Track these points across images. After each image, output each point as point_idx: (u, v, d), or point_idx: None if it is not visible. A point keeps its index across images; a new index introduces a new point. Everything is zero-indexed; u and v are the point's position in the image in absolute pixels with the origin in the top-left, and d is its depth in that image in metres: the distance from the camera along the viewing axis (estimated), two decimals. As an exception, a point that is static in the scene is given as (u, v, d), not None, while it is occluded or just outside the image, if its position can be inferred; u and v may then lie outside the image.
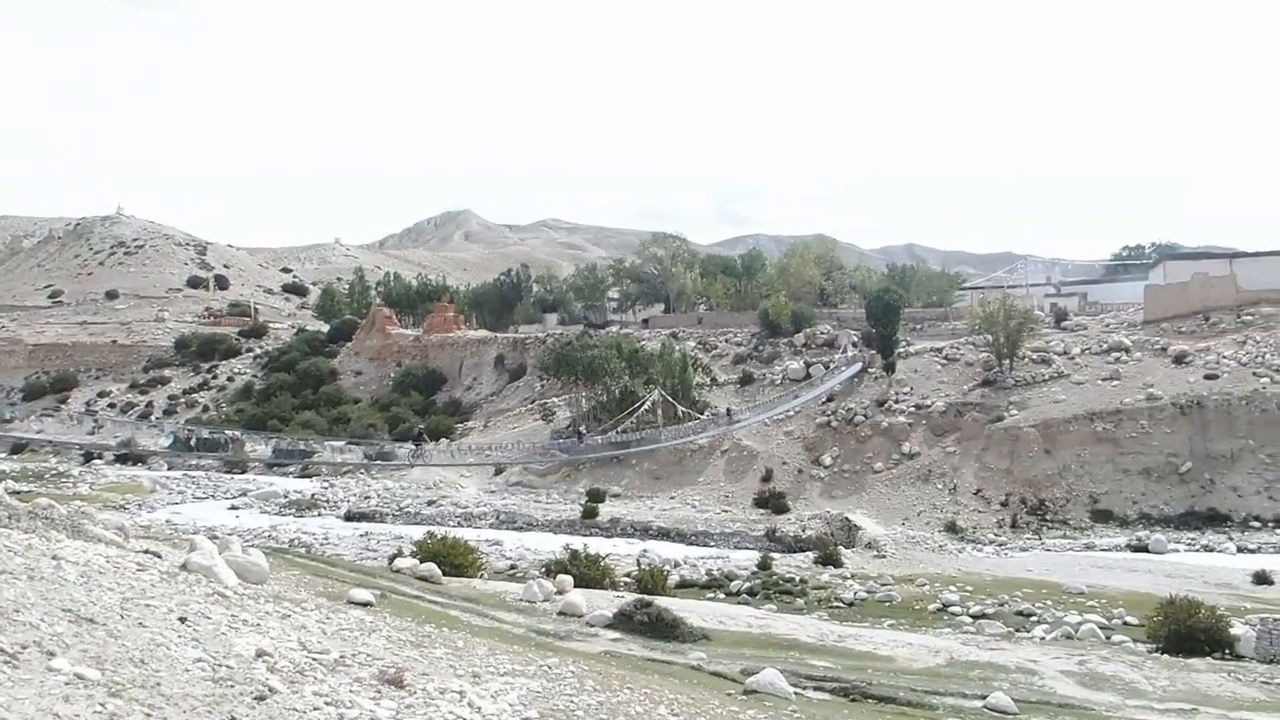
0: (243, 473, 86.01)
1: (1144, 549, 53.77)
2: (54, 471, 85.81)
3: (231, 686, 7.19)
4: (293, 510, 69.82)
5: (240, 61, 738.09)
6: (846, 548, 53.27)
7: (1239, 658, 27.43)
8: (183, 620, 8.84)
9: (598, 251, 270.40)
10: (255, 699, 7.05)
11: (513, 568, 47.12)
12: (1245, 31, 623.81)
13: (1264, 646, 27.36)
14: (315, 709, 7.25)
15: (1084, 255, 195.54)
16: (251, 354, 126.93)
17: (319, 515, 68.69)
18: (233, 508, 70.70)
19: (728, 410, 75.62)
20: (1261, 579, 42.84)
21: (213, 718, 6.44)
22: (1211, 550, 53.76)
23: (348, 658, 9.33)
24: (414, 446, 72.23)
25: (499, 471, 77.05)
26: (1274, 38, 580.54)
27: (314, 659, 8.82)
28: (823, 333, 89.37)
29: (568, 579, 28.37)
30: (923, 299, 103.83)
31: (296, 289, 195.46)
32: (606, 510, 65.85)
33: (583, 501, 67.88)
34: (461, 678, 9.95)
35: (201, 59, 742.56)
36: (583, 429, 76.42)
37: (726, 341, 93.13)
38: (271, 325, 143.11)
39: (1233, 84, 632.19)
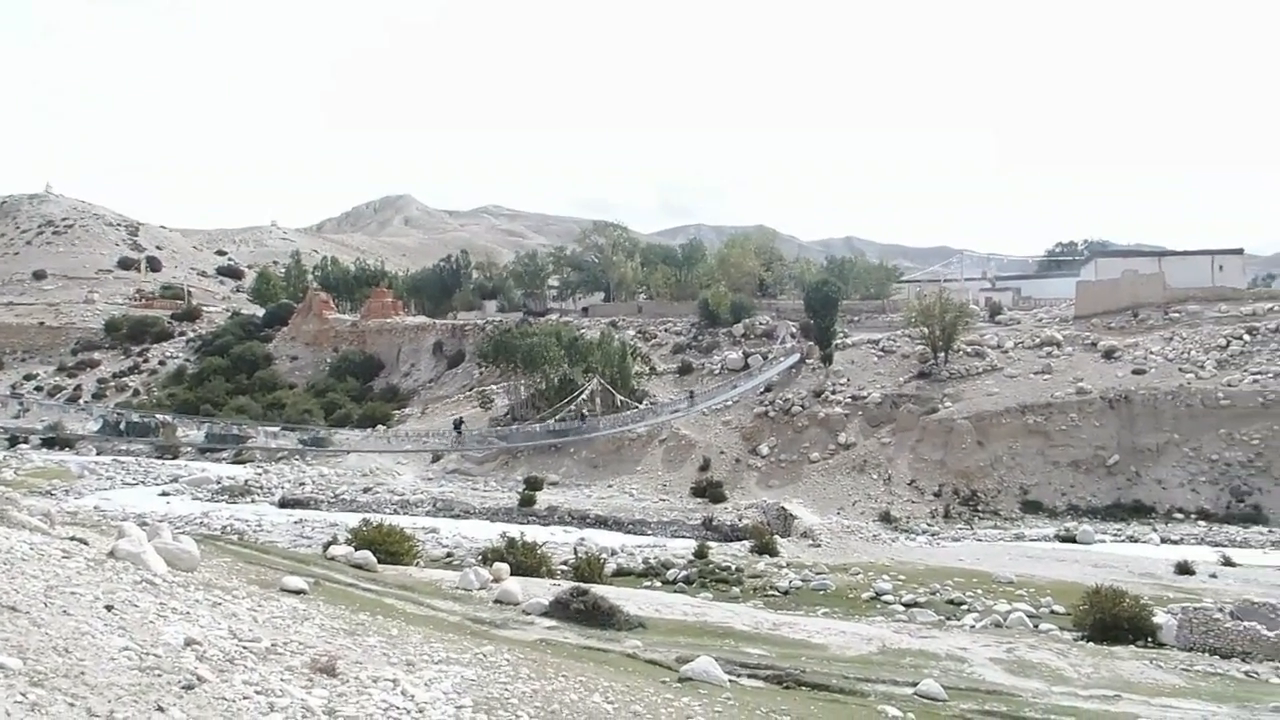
0: (174, 458, 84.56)
1: (1072, 539, 54.87)
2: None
3: (159, 675, 7.08)
4: (225, 496, 68.76)
5: (175, 39, 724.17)
6: (782, 537, 53.62)
7: (1161, 646, 28.10)
8: (109, 608, 8.68)
9: (538, 239, 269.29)
10: (183, 688, 6.95)
11: (449, 555, 46.84)
12: (1181, 38, 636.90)
13: (1185, 635, 28.04)
14: (245, 698, 7.17)
15: (1019, 251, 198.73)
16: (184, 337, 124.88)
17: (252, 502, 67.71)
18: (163, 494, 69.42)
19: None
20: (1183, 569, 43.89)
21: (139, 707, 6.33)
22: (1136, 541, 55.00)
23: (279, 646, 9.23)
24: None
25: (436, 459, 76.60)
26: (1206, 46, 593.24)
27: (245, 647, 8.72)
28: (762, 323, 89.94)
29: (504, 567, 28.28)
30: (861, 291, 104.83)
31: (231, 272, 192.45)
32: (544, 498, 65.73)
33: (520, 489, 67.70)
34: (395, 666, 9.89)
35: (135, 36, 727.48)
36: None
37: (666, 331, 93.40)
38: (205, 308, 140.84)
39: (1165, 89, 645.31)
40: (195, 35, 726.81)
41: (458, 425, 72.71)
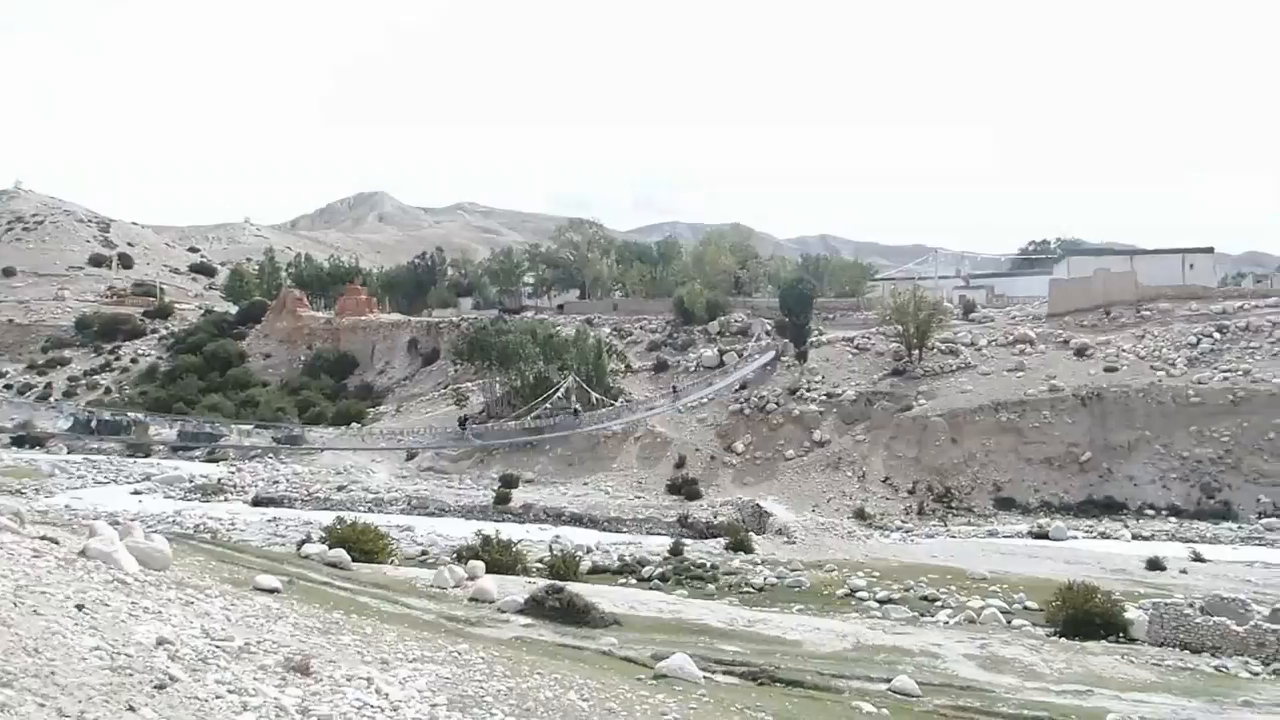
0: (146, 457, 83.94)
1: (1045, 536, 55.27)
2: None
3: (130, 675, 7.02)
4: (198, 495, 68.35)
5: (147, 33, 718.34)
6: (757, 534, 53.77)
7: (1132, 641, 28.37)
8: (80, 608, 8.60)
9: (514, 236, 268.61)
10: (155, 688, 6.89)
11: (424, 554, 46.73)
12: (1154, 43, 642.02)
13: (1156, 630, 28.29)
14: (218, 697, 7.12)
15: (992, 249, 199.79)
16: (156, 335, 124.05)
17: (225, 500, 67.32)
18: (135, 493, 68.92)
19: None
20: (1155, 565, 44.33)
21: (110, 707, 6.28)
22: (1108, 537, 55.48)
23: (252, 645, 9.18)
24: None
25: (411, 457, 76.34)
26: (1179, 49, 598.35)
27: (217, 646, 8.66)
28: (737, 321, 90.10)
29: (479, 565, 28.27)
30: (835, 289, 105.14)
31: (204, 269, 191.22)
32: (519, 496, 65.63)
33: (495, 487, 67.57)
34: (369, 664, 9.85)
35: (105, 30, 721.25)
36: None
37: (641, 328, 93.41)
38: (178, 306, 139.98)
39: (1135, 90, 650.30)
40: (164, 30, 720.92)
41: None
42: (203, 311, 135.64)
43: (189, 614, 10.08)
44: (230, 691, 7.34)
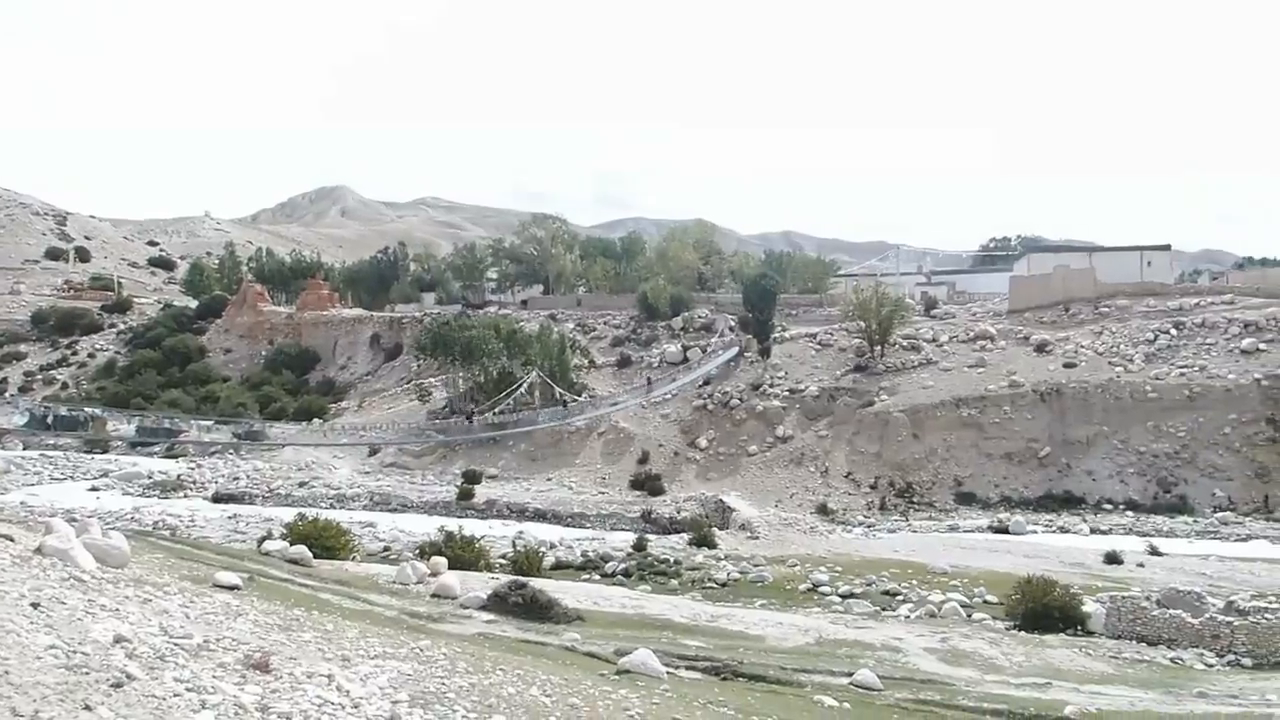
0: (104, 452, 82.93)
1: (1004, 530, 55.88)
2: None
3: (86, 674, 6.94)
4: (157, 491, 67.63)
5: (104, 19, 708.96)
6: (721, 529, 53.91)
7: (1090, 634, 28.71)
8: (35, 606, 8.49)
9: (477, 231, 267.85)
10: (112, 686, 6.82)
11: (386, 550, 46.51)
12: (1115, 40, 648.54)
13: (1113, 623, 28.65)
14: (176, 695, 7.05)
15: (953, 246, 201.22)
16: (115, 330, 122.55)
17: (185, 497, 66.69)
18: (93, 489, 68.11)
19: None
20: (1112, 559, 44.86)
21: (65, 706, 6.20)
22: (1067, 531, 56.16)
23: (212, 642, 9.09)
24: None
25: (373, 452, 75.98)
26: (1138, 48, 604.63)
27: (176, 644, 8.57)
28: (700, 317, 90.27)
29: (442, 561, 28.15)
30: (799, 285, 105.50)
31: (163, 263, 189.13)
32: (483, 492, 65.45)
33: (459, 483, 67.34)
34: (330, 661, 9.79)
35: (59, 14, 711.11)
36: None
37: (605, 324, 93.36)
38: (136, 300, 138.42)
39: (1096, 89, 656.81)
40: (121, 20, 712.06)
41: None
42: (162, 306, 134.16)
43: (147, 611, 9.98)
44: (188, 689, 7.27)
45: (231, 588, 15.35)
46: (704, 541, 49.49)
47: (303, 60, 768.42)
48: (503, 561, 38.74)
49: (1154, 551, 47.94)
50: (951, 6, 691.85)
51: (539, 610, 20.89)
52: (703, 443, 70.72)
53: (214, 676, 7.83)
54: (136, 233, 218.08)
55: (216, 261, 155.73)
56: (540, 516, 60.66)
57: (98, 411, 70.67)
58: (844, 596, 38.13)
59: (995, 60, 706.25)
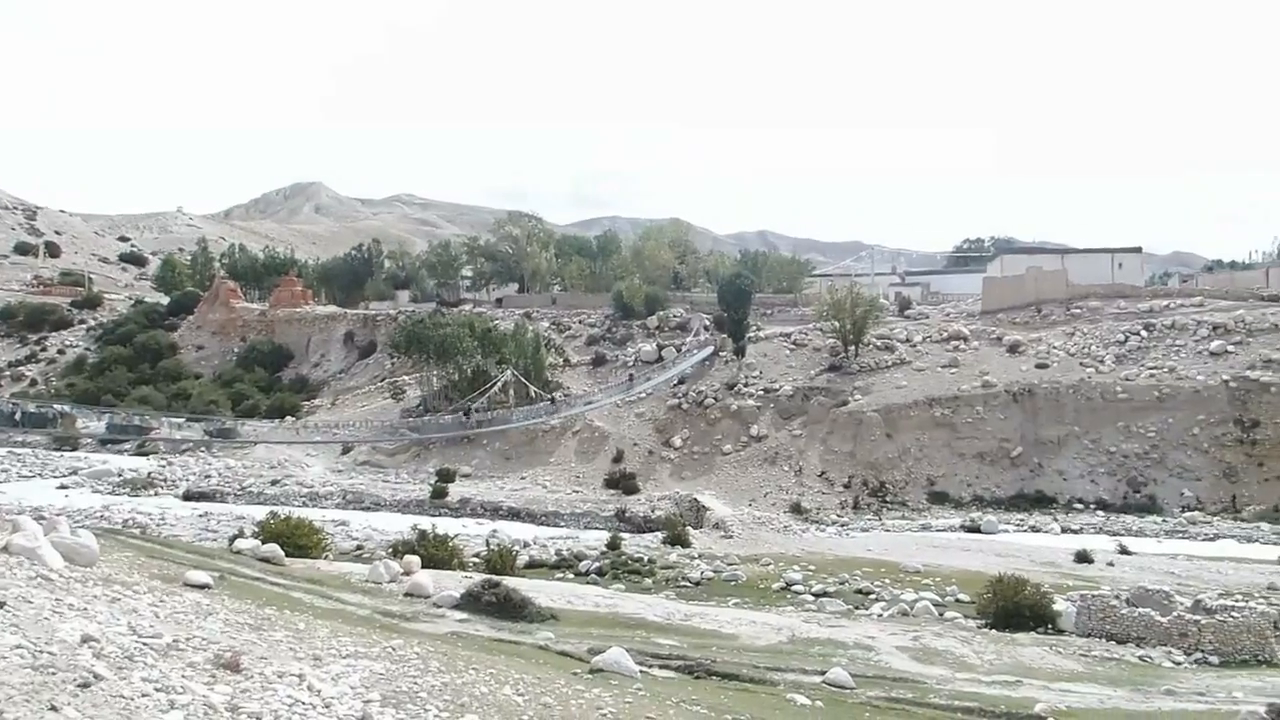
0: (73, 450, 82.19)
1: (976, 529, 56.25)
2: None
3: (53, 674, 6.87)
4: (127, 489, 67.16)
5: (77, 10, 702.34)
6: (695, 528, 53.99)
7: (1060, 632, 28.92)
8: (1, 605, 8.41)
9: (452, 229, 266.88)
10: (79, 686, 6.75)
11: (359, 548, 46.33)
12: (1089, 43, 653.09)
13: (1083, 622, 28.86)
14: (144, 695, 6.99)
15: (927, 247, 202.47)
16: (85, 326, 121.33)
17: (156, 495, 66.26)
18: (62, 487, 67.58)
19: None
20: (1083, 558, 45.26)
21: (31, 707, 6.14)
22: (1038, 530, 56.60)
23: (181, 642, 9.03)
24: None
25: (346, 450, 75.65)
26: (1112, 50, 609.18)
27: (144, 644, 8.51)
28: (675, 316, 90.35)
29: (415, 560, 28.01)
30: (773, 285, 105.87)
31: (135, 259, 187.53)
32: (456, 490, 65.32)
33: (432, 481, 67.19)
34: (301, 661, 9.73)
35: (32, 5, 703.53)
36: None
37: (580, 323, 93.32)
38: (107, 296, 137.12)
39: (1072, 91, 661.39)
40: (91, 17, 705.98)
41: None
42: (133, 302, 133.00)
43: (116, 611, 9.90)
44: (157, 689, 7.21)
45: (202, 587, 15.23)
46: (678, 540, 49.54)
47: (277, 58, 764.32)
48: (476, 560, 38.61)
49: (1124, 551, 48.43)
50: (924, 7, 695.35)
51: (512, 609, 20.83)
52: (677, 442, 70.79)
53: (183, 676, 7.77)
54: (107, 228, 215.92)
55: (189, 257, 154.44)
56: (514, 515, 60.61)
57: (67, 408, 69.75)
58: (817, 595, 38.23)
59: (971, 62, 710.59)
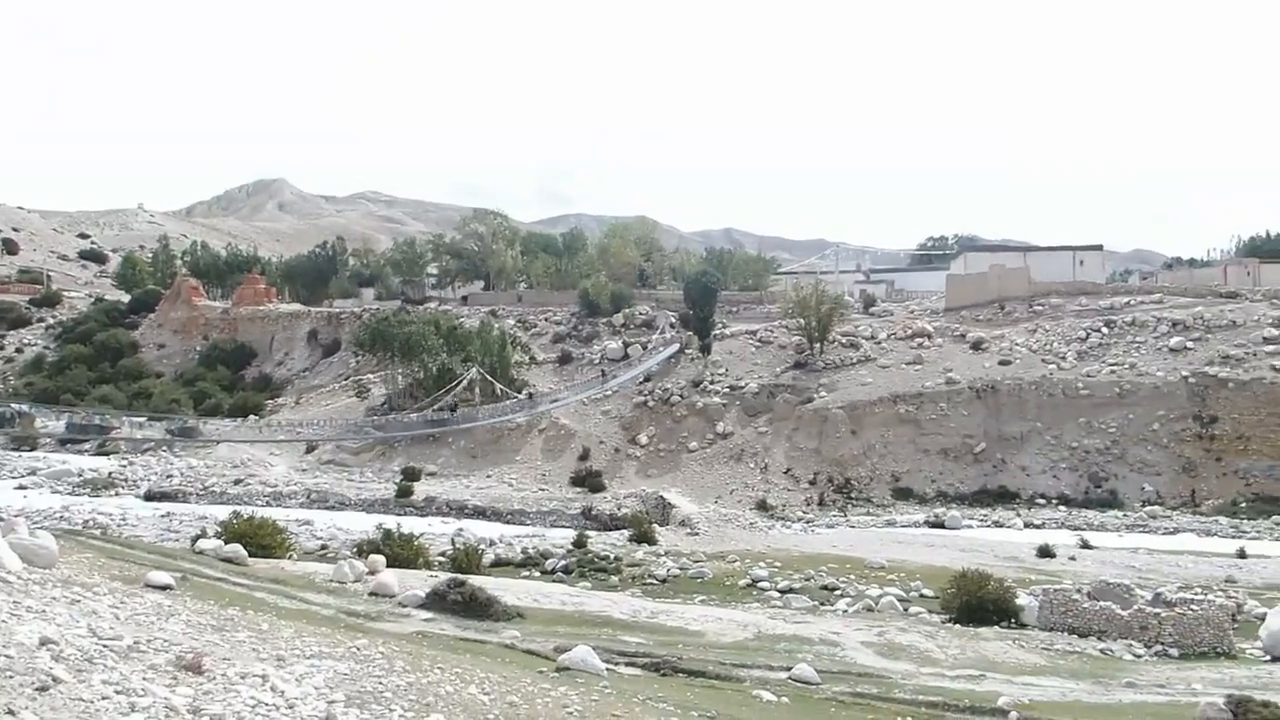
0: (32, 450, 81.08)
1: (941, 525, 56.71)
2: None
3: (11, 677, 6.80)
4: (88, 490, 66.42)
5: (33, 2, 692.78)
6: (661, 525, 54.10)
7: (1023, 626, 29.18)
8: (-43, 608, 8.31)
9: (417, 226, 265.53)
10: (37, 690, 6.68)
11: (324, 548, 46.06)
12: (1049, 41, 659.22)
13: (1045, 615, 29.15)
14: (104, 698, 6.92)
15: (892, 244, 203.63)
16: (43, 324, 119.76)
17: (116, 495, 65.56)
18: (20, 487, 66.71)
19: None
20: (1045, 552, 45.74)
21: (-12, 710, 6.08)
22: (1001, 526, 57.12)
23: (142, 644, 8.95)
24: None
25: (310, 449, 75.14)
26: (1071, 49, 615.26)
27: (105, 646, 8.43)
28: (641, 313, 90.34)
29: (380, 559, 27.89)
30: (739, 283, 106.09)
31: (95, 256, 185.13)
32: (422, 489, 65.06)
33: (397, 480, 66.86)
34: (265, 661, 9.67)
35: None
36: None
37: (546, 320, 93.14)
38: (66, 294, 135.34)
39: (1033, 90, 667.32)
40: (51, 4, 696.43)
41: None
42: (93, 300, 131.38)
43: (75, 613, 9.80)
44: (118, 692, 7.15)
45: (164, 588, 15.11)
46: (644, 538, 49.61)
47: (240, 54, 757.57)
48: (442, 559, 38.48)
49: (1085, 545, 49.01)
50: (889, 7, 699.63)
51: (478, 608, 20.78)
52: (643, 439, 70.85)
53: (144, 678, 7.70)
54: (67, 225, 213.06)
55: (150, 255, 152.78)
56: (480, 513, 60.46)
57: (25, 408, 68.85)
58: (783, 592, 38.40)
59: (936, 62, 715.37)
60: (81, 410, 75.27)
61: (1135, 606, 28.06)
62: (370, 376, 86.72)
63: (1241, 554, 46.60)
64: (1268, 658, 25.26)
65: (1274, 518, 56.43)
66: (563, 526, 56.61)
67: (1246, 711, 15.21)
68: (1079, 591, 29.62)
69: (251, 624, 12.48)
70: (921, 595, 37.23)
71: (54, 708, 6.48)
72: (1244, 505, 58.67)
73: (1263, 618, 28.34)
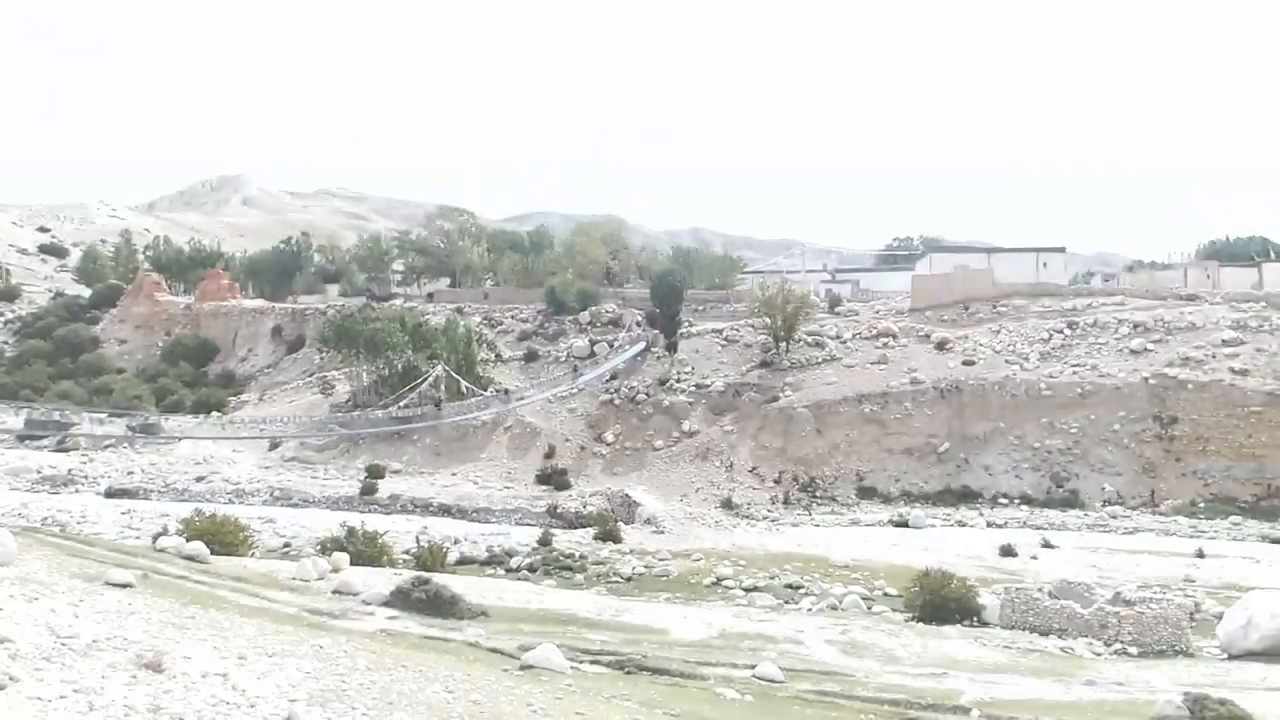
0: (-11, 446, 79.97)
1: (905, 524, 57.03)
2: None
3: (-34, 676, 6.72)
4: (47, 486, 65.64)
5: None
6: (627, 524, 54.13)
7: (985, 625, 29.48)
8: (-89, 606, 8.20)
9: (383, 222, 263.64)
10: (-7, 688, 6.61)
11: (287, 546, 45.82)
12: (1020, 42, 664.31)
13: (1007, 614, 29.45)
14: (61, 697, 6.86)
15: (858, 245, 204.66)
16: (2, 319, 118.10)
17: (76, 492, 64.83)
18: (-23, 484, 65.76)
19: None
20: (1007, 551, 46.17)
21: (-58, 710, 6.01)
22: (964, 525, 57.54)
23: (102, 642, 8.87)
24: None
25: (274, 446, 74.57)
26: (1042, 49, 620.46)
27: (63, 644, 8.34)
28: (608, 312, 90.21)
29: (344, 557, 27.79)
30: (706, 282, 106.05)
31: (55, 250, 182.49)
32: (386, 487, 64.72)
33: (362, 478, 66.47)
34: (226, 660, 9.60)
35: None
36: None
37: (512, 318, 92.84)
38: (25, 288, 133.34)
39: (1002, 91, 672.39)
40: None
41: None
42: (53, 295, 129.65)
43: (33, 611, 9.69)
44: (75, 691, 7.09)
45: (124, 586, 14.97)
46: (609, 536, 49.65)
47: (200, 48, 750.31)
48: (406, 557, 38.36)
49: (1047, 544, 49.45)
50: (858, 8, 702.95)
51: (442, 606, 20.73)
52: (609, 437, 70.85)
53: (103, 677, 7.64)
54: (26, 218, 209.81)
55: (112, 250, 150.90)
56: (445, 511, 60.23)
57: (-17, 403, 68.04)
58: (748, 590, 38.55)
59: (903, 63, 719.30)
60: (41, 406, 74.38)
61: (1095, 605, 28.39)
62: (335, 373, 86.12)
63: (1200, 554, 47.19)
64: (1224, 656, 25.61)
65: (1231, 518, 57.24)
66: (528, 525, 56.51)
67: (1204, 709, 15.43)
68: (1040, 590, 29.95)
69: (213, 622, 12.39)
70: (885, 594, 37.48)
71: (10, 707, 6.41)
72: (1202, 506, 59.39)
73: (1219, 617, 28.72)
